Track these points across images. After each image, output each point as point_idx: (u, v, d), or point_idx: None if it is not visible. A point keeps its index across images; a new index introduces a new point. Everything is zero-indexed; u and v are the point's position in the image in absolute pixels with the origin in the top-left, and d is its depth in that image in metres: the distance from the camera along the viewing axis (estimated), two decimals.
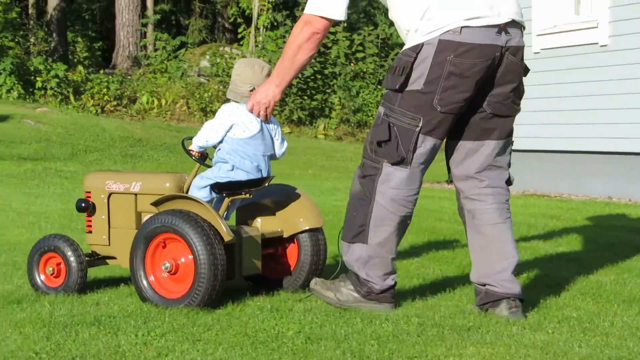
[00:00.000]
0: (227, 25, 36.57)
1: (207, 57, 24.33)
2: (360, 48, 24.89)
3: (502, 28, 4.09)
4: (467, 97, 4.09)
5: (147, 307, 4.28)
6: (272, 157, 4.90)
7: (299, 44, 4.47)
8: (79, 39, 32.15)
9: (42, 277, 4.74)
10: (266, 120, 4.64)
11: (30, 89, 21.07)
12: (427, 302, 4.51)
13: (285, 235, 4.97)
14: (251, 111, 4.55)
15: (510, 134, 4.39)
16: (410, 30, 4.22)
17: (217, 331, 3.72)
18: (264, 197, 4.98)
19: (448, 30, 4.00)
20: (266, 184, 4.74)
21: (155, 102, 21.45)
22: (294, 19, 22.87)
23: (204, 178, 4.64)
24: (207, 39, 34.93)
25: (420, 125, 4.12)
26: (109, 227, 5.02)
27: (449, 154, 4.39)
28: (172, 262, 4.43)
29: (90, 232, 5.05)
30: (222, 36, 36.95)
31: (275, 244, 5.07)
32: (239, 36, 27.45)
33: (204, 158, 4.78)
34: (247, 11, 27.20)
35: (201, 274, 4.24)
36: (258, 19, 25.69)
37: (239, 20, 28.52)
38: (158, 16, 33.94)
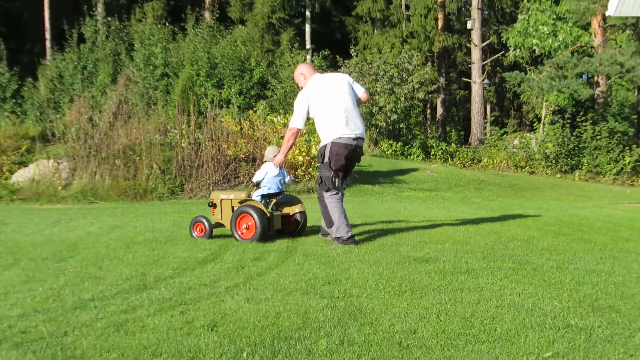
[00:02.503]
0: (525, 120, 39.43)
1: (518, 138, 27.91)
2: None
3: (355, 138, 7.41)
4: (343, 163, 7.39)
5: (241, 245, 7.33)
6: (283, 183, 8.38)
7: (288, 138, 7.77)
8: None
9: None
10: (280, 167, 8.22)
11: (428, 155, 25.88)
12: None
13: (290, 213, 8.37)
14: (275, 165, 8.11)
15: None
16: (322, 138, 7.57)
17: (273, 253, 7.34)
18: (281, 199, 8.45)
19: (334, 138, 7.33)
20: (281, 194, 8.44)
21: (491, 161, 25.83)
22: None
23: (258, 192, 8.26)
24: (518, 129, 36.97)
25: (334, 171, 7.35)
26: (221, 212, 8.25)
27: (343, 180, 7.60)
28: (247, 224, 7.78)
29: (214, 215, 8.29)
30: (525, 127, 38.32)
31: (286, 217, 8.38)
32: (535, 127, 29.49)
33: (258, 185, 8.39)
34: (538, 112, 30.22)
35: (258, 229, 7.62)
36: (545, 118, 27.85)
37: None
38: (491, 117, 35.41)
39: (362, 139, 7.40)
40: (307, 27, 36.49)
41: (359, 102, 7.67)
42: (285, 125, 16.92)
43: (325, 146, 7.24)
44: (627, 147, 24.78)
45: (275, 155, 7.96)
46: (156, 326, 4.01)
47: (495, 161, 25.89)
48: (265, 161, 8.23)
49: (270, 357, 3.44)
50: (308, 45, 35.52)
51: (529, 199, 15.94)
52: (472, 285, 5.10)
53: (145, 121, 17.11)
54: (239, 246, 7.20)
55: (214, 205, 8.19)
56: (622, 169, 23.78)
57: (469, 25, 30.23)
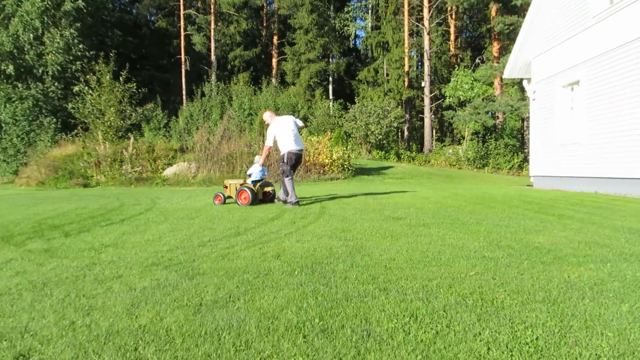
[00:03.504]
0: (456, 138, 42.39)
1: (451, 149, 30.30)
2: None
3: (299, 150, 7.90)
4: (293, 163, 7.87)
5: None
6: (263, 174, 8.43)
7: (265, 150, 8.05)
8: None
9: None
10: (262, 166, 8.43)
11: (399, 158, 26.11)
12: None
13: (267, 190, 8.58)
14: (259, 165, 8.39)
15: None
16: (282, 149, 7.91)
17: (311, 215, 8.75)
18: (262, 183, 8.52)
19: (289, 150, 7.83)
20: (263, 180, 8.47)
21: (435, 162, 26.62)
22: None
23: (250, 179, 8.40)
24: (451, 143, 39.96)
25: (289, 167, 7.82)
26: (229, 190, 8.52)
27: (293, 170, 7.92)
28: (245, 195, 8.07)
29: (226, 192, 8.55)
30: (456, 142, 40.98)
31: (264, 193, 8.57)
32: (461, 142, 33.89)
33: (250, 175, 8.43)
34: (463, 133, 31.28)
35: (253, 198, 8.00)
36: None
37: None
38: (436, 137, 41.46)
39: (302, 149, 8.09)
40: (330, 87, 36.44)
41: (300, 129, 8.33)
42: (319, 142, 16.87)
43: (285, 154, 7.90)
44: (515, 153, 24.62)
45: (260, 160, 8.52)
46: (245, 256, 4.01)
47: (438, 162, 25.26)
48: (254, 163, 8.62)
49: (310, 273, 3.41)
50: (330, 97, 35.34)
51: (458, 184, 15.70)
52: (426, 233, 5.00)
53: (239, 140, 17.15)
54: (291, 211, 7.19)
55: (226, 187, 8.69)
56: (512, 166, 23.55)
57: (422, 84, 30.14)
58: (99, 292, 3.05)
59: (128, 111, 20.90)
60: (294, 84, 33.70)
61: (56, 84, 23.90)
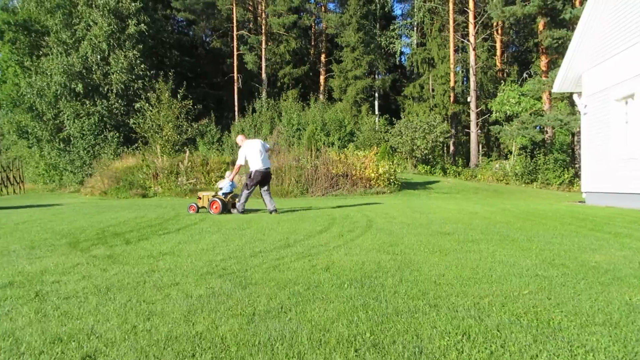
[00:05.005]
0: (502, 153, 40.57)
1: (498, 163, 25.63)
2: None
3: (266, 168, 8.66)
4: (259, 180, 8.60)
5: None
6: (232, 187, 9.13)
7: (235, 168, 8.92)
8: None
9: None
10: (231, 181, 9.10)
11: (445, 173, 24.18)
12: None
13: (235, 202, 9.07)
14: (229, 180, 9.09)
15: (269, 186, 8.85)
16: (251, 167, 8.69)
17: (358, 228, 8.97)
18: (232, 195, 9.19)
19: (256, 169, 8.62)
20: (232, 193, 9.12)
21: (482, 177, 23.81)
22: None
23: (221, 192, 9.10)
24: (497, 158, 37.73)
25: (253, 183, 8.61)
26: (202, 201, 9.25)
27: (260, 188, 8.77)
28: (216, 205, 8.79)
29: (199, 202, 9.27)
30: (502, 157, 38.77)
31: (234, 204, 9.11)
32: (508, 157, 32.17)
33: (221, 189, 9.15)
34: (510, 148, 30.49)
35: (223, 207, 8.71)
36: None
37: None
38: (482, 151, 38.53)
39: (269, 168, 8.94)
40: (376, 102, 36.30)
41: (268, 150, 9.23)
42: (365, 156, 16.80)
43: (252, 171, 8.77)
44: (565, 169, 23.58)
45: (230, 175, 9.32)
46: (295, 268, 3.99)
47: (484, 177, 24.50)
48: (224, 177, 9.52)
49: (359, 287, 3.35)
50: (376, 112, 35.16)
51: (505, 199, 15.17)
52: (475, 249, 4.83)
53: (288, 154, 17.30)
54: (340, 222, 7.14)
55: (199, 198, 9.49)
56: (562, 182, 22.56)
57: (468, 99, 29.58)
58: (158, 298, 3.11)
59: (184, 126, 21.59)
60: (340, 100, 33.82)
61: (119, 101, 25.03)
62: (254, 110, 28.71)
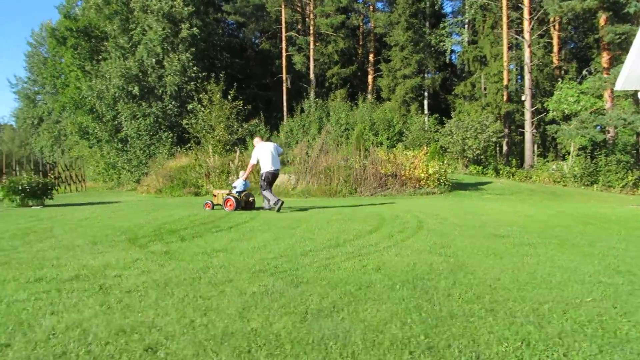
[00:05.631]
0: (559, 154, 38.72)
1: (555, 164, 24.83)
2: None
3: (275, 169, 9.27)
4: (270, 180, 9.26)
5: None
6: (246, 186, 9.62)
7: (248, 167, 9.58)
8: None
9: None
10: (245, 180, 9.60)
11: (498, 173, 23.19)
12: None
13: (249, 199, 9.67)
14: (242, 179, 9.56)
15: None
16: (262, 168, 9.33)
17: (409, 228, 9.66)
18: (246, 194, 9.66)
19: (267, 170, 9.23)
20: (246, 191, 9.63)
21: (537, 178, 22.76)
22: None
23: (235, 190, 9.57)
24: (554, 159, 36.79)
25: (266, 182, 9.23)
26: (217, 198, 9.69)
27: (271, 185, 9.33)
28: (231, 203, 9.24)
29: (214, 199, 9.71)
30: (559, 157, 37.05)
31: (247, 202, 9.65)
32: (566, 158, 28.90)
33: (234, 187, 9.60)
34: (568, 149, 26.90)
35: (236, 204, 9.16)
36: None
37: None
38: (538, 152, 34.43)
39: (279, 169, 9.52)
40: (425, 101, 35.73)
41: (279, 154, 9.73)
42: (415, 156, 16.58)
43: (263, 172, 9.36)
44: (629, 170, 22.28)
45: (243, 174, 9.88)
46: (346, 267, 3.99)
47: (540, 178, 23.40)
48: (238, 177, 10.05)
49: (412, 288, 3.32)
50: (426, 111, 34.60)
51: (563, 202, 14.52)
52: (533, 253, 4.66)
53: (336, 154, 17.32)
54: (390, 223, 7.07)
55: (214, 195, 9.95)
56: (626, 184, 21.35)
57: (523, 98, 28.52)
58: (214, 294, 3.20)
59: (235, 126, 22.05)
60: (389, 99, 33.49)
61: (173, 102, 25.87)
62: (302, 110, 28.92)
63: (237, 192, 9.76)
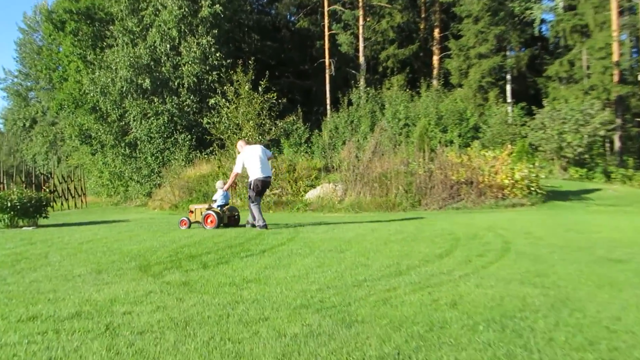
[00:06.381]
0: None
1: None
2: None
3: (266, 177, 9.83)
4: (259, 189, 9.80)
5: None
6: (227, 199, 10.54)
7: (231, 176, 10.33)
8: None
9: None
10: (225, 191, 10.50)
11: (608, 178, 22.77)
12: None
13: (233, 214, 10.67)
14: (223, 190, 10.46)
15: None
16: (250, 175, 9.81)
17: (491, 251, 10.17)
18: (229, 208, 10.60)
19: (256, 177, 9.71)
20: (228, 205, 10.56)
21: None
22: None
23: (215, 204, 10.42)
24: None
25: (255, 193, 9.71)
26: (194, 215, 10.51)
27: (260, 197, 9.92)
28: (211, 219, 10.09)
29: (190, 217, 10.51)
30: None
31: (230, 217, 10.58)
32: None
33: (215, 201, 10.46)
34: None
35: (218, 221, 10.01)
36: None
37: None
38: None
39: (270, 176, 10.16)
40: (508, 87, 35.06)
41: (269, 158, 10.32)
42: (495, 158, 16.27)
43: (252, 181, 9.84)
44: None
45: (223, 186, 10.70)
46: (412, 302, 3.95)
47: None
48: (217, 189, 10.74)
49: (500, 330, 3.23)
50: (509, 99, 33.95)
51: None
52: None
53: (394, 156, 17.26)
54: (466, 244, 6.95)
55: (191, 212, 10.68)
56: None
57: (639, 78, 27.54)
58: (245, 336, 3.20)
59: (267, 125, 22.30)
60: (460, 85, 33.06)
61: (192, 97, 26.55)
62: (350, 103, 28.98)
63: (218, 206, 10.38)
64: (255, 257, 6.32)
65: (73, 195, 29.54)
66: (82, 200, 29.77)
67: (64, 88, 30.22)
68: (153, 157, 26.40)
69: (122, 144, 27.39)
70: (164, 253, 6.79)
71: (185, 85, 26.37)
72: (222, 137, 22.32)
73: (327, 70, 34.35)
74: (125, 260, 6.26)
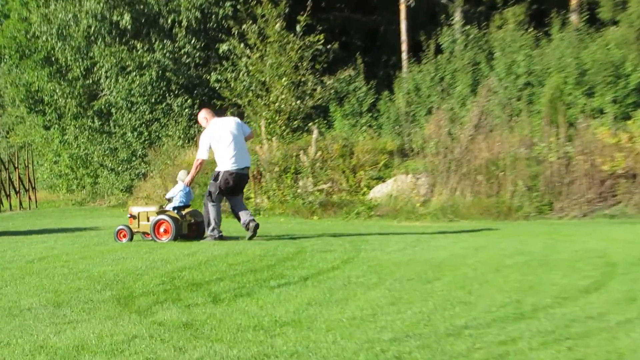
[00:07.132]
0: None
1: None
2: None
3: (242, 168, 10.68)
4: (230, 186, 10.58)
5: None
6: (189, 198, 11.09)
7: (195, 166, 10.97)
8: None
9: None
10: (188, 186, 11.00)
11: None
12: None
13: (194, 220, 11.10)
14: (185, 185, 10.97)
15: (242, 193, 11.54)
16: (219, 165, 10.66)
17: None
18: (191, 212, 11.21)
19: (227, 169, 10.51)
20: (188, 207, 11.12)
21: None
22: None
23: (170, 205, 10.96)
24: None
25: (218, 191, 10.53)
26: (139, 221, 10.83)
27: (229, 199, 11.03)
28: (165, 227, 10.42)
29: (130, 224, 10.90)
30: None
31: (190, 225, 11.04)
32: None
33: (170, 200, 11.09)
34: None
35: (175, 231, 10.31)
36: None
37: None
38: None
39: (248, 167, 10.97)
40: None
41: (247, 138, 10.98)
42: None
43: (219, 172, 10.41)
44: None
45: (186, 177, 10.97)
46: None
47: None
48: (178, 181, 11.09)
49: None
50: None
51: None
52: None
53: (509, 134, 17.00)
54: (627, 272, 6.86)
55: (132, 217, 10.92)
56: None
57: None
58: None
59: (310, 84, 22.25)
60: (615, 22, 32.42)
61: (193, 41, 26.31)
62: (438, 50, 28.67)
63: (174, 208, 10.81)
64: (293, 286, 6.33)
65: (17, 189, 29.48)
66: (30, 198, 29.73)
67: (2, 29, 30.56)
68: (135, 133, 26.50)
69: (90, 113, 27.73)
70: (154, 278, 6.86)
71: (184, 23, 26.11)
72: (239, 102, 22.36)
73: (402, 1, 34.10)
74: (96, 288, 6.35)
